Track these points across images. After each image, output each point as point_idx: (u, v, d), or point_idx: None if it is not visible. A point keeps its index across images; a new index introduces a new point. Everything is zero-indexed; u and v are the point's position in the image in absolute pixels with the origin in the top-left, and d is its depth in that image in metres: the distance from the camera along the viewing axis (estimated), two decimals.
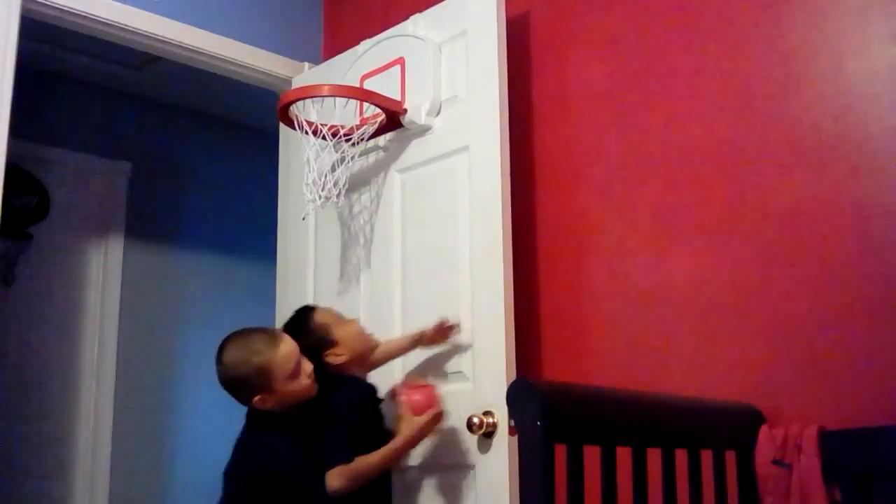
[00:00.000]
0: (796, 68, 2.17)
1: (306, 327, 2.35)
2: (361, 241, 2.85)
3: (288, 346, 2.20)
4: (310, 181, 2.67)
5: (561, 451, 1.50)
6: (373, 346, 2.44)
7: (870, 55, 2.05)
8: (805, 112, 2.14)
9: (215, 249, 4.62)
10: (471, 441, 2.34)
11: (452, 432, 2.37)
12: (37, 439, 3.93)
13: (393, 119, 2.68)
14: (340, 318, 2.41)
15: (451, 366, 2.47)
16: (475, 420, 2.29)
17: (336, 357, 2.32)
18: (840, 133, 2.07)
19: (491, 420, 2.29)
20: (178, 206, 4.57)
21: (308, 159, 2.69)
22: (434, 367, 2.52)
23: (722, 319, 2.22)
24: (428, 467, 2.45)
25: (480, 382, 2.37)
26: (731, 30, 2.31)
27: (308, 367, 2.23)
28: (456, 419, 2.35)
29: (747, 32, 2.28)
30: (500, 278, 2.38)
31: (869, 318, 1.96)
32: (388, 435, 2.26)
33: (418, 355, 2.57)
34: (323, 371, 2.29)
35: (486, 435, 2.30)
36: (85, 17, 2.92)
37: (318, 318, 2.37)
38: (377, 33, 2.93)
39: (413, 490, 2.49)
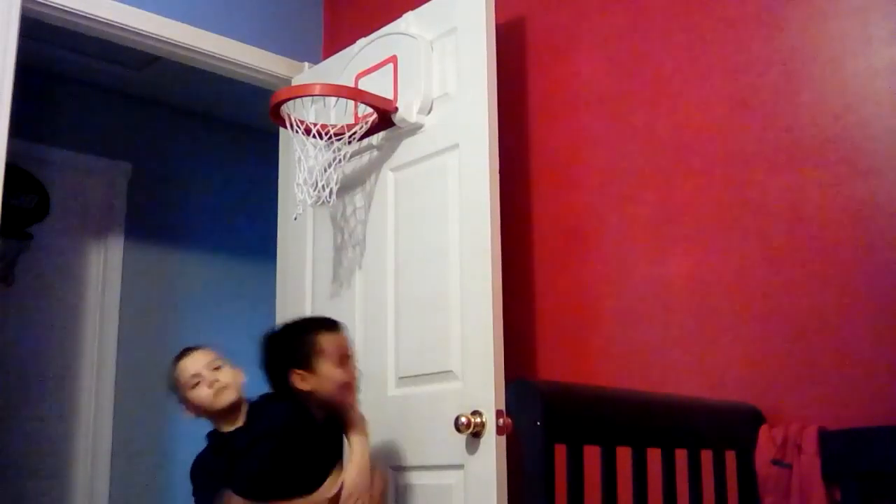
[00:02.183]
0: (796, 68, 2.17)
1: (300, 335, 2.26)
2: (355, 240, 2.85)
3: (185, 361, 2.42)
4: (300, 181, 2.67)
5: (561, 451, 1.50)
6: (345, 399, 2.24)
7: (870, 55, 2.05)
8: (805, 112, 2.14)
9: (215, 249, 4.62)
10: (459, 441, 2.32)
11: (440, 432, 2.36)
12: (37, 439, 3.93)
13: (385, 118, 2.68)
14: (340, 353, 2.24)
15: (441, 365, 2.46)
16: (463, 420, 2.27)
17: (300, 382, 2.19)
18: (840, 133, 2.07)
19: (479, 420, 2.27)
20: (178, 206, 4.56)
21: (299, 159, 2.69)
22: (424, 366, 2.52)
23: (722, 319, 2.22)
24: (416, 467, 2.45)
25: (469, 382, 2.36)
26: (731, 29, 2.31)
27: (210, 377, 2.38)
28: (444, 419, 2.34)
29: (747, 32, 2.28)
30: (489, 276, 2.36)
31: (869, 318, 1.96)
32: (326, 464, 2.19)
33: (409, 355, 2.58)
34: (283, 386, 2.21)
35: (475, 434, 2.28)
36: (85, 17, 2.92)
37: (320, 338, 2.23)
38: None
39: (401, 490, 2.49)
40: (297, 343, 2.23)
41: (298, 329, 2.31)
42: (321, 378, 2.19)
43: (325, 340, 2.23)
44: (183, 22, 3.12)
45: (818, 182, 2.09)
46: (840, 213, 2.04)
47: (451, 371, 2.44)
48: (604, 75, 2.59)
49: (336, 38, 3.43)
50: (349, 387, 2.24)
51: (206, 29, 3.18)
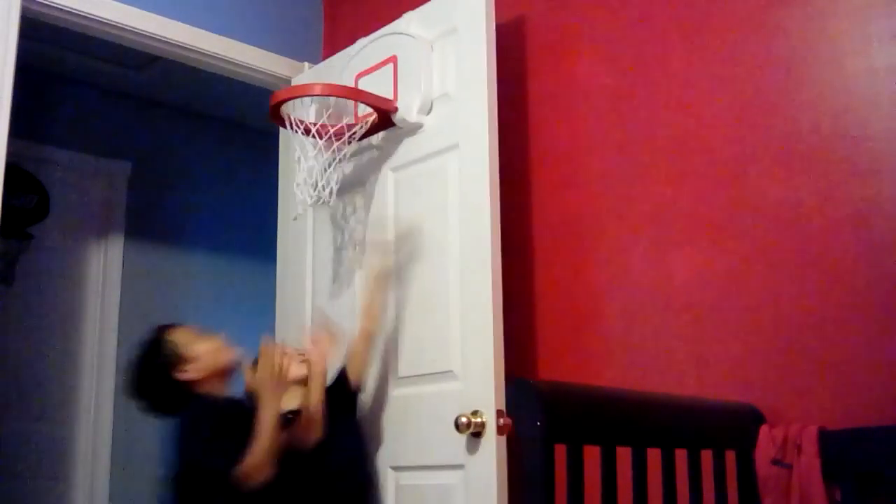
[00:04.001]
0: (796, 68, 2.17)
1: (158, 346, 2.34)
2: (355, 240, 2.85)
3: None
4: (300, 181, 2.67)
5: (561, 451, 1.50)
6: (233, 360, 2.37)
7: (870, 55, 2.05)
8: (805, 112, 2.14)
9: (215, 249, 4.62)
10: (459, 441, 2.32)
11: (441, 432, 2.36)
12: (37, 439, 3.93)
13: (385, 118, 2.68)
14: (197, 336, 2.37)
15: (441, 365, 2.46)
16: (463, 420, 2.27)
17: (184, 373, 2.30)
18: (840, 133, 2.07)
19: (479, 420, 2.27)
20: (178, 206, 4.56)
21: (298, 159, 2.69)
22: (424, 366, 2.52)
23: (722, 319, 2.22)
24: (417, 467, 2.46)
25: (470, 382, 2.36)
26: (731, 30, 2.31)
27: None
28: (445, 419, 2.34)
29: (747, 32, 2.28)
30: (489, 277, 2.36)
31: (869, 318, 1.96)
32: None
33: (409, 355, 2.57)
34: (178, 391, 2.30)
35: (475, 434, 2.28)
36: (85, 17, 2.92)
37: (171, 336, 2.34)
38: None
39: (402, 490, 2.49)
40: (162, 352, 2.32)
41: (151, 344, 2.36)
42: (201, 358, 2.31)
43: (174, 333, 2.35)
44: (183, 22, 3.12)
45: (818, 182, 2.09)
46: (840, 213, 2.04)
47: (451, 371, 2.44)
48: (604, 75, 2.59)
49: (336, 38, 3.43)
50: (227, 347, 2.36)
51: (206, 29, 3.18)
